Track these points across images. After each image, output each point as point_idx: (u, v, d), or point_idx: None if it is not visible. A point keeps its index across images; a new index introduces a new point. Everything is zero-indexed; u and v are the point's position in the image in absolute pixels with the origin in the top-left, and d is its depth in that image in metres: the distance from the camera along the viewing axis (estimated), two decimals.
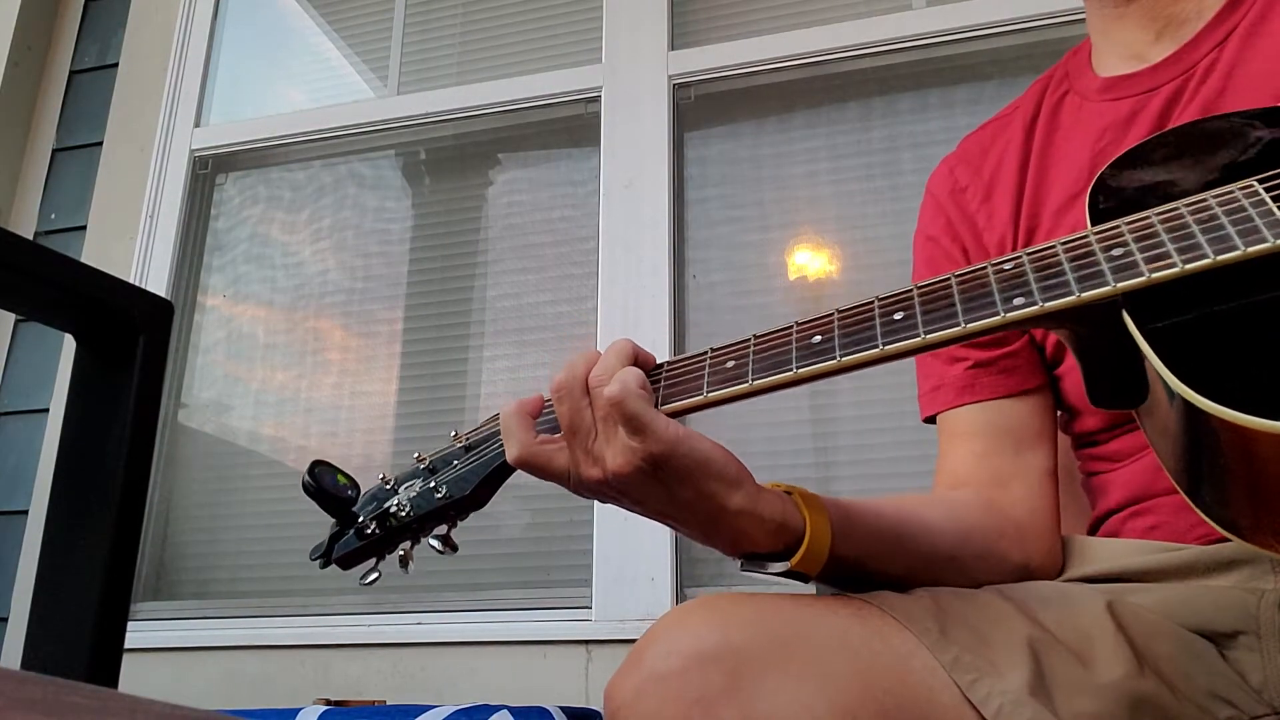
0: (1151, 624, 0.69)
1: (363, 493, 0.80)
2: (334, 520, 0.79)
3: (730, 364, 0.65)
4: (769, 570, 0.68)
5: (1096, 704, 0.62)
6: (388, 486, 0.78)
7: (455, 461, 0.76)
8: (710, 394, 0.64)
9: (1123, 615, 0.68)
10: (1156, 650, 0.66)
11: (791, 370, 0.62)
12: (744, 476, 0.65)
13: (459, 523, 0.77)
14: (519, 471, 0.73)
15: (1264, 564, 0.70)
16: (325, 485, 0.76)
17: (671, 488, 0.64)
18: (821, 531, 0.67)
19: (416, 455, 0.78)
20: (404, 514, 0.75)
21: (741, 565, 0.69)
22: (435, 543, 0.76)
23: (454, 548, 0.76)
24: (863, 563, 0.71)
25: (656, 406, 0.65)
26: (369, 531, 0.76)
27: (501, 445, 0.72)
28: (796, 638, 0.61)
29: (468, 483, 0.73)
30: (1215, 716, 0.65)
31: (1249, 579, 0.71)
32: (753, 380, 0.63)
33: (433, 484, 0.75)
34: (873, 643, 0.62)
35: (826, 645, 0.61)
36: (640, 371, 0.64)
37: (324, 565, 0.79)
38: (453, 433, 0.78)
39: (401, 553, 0.78)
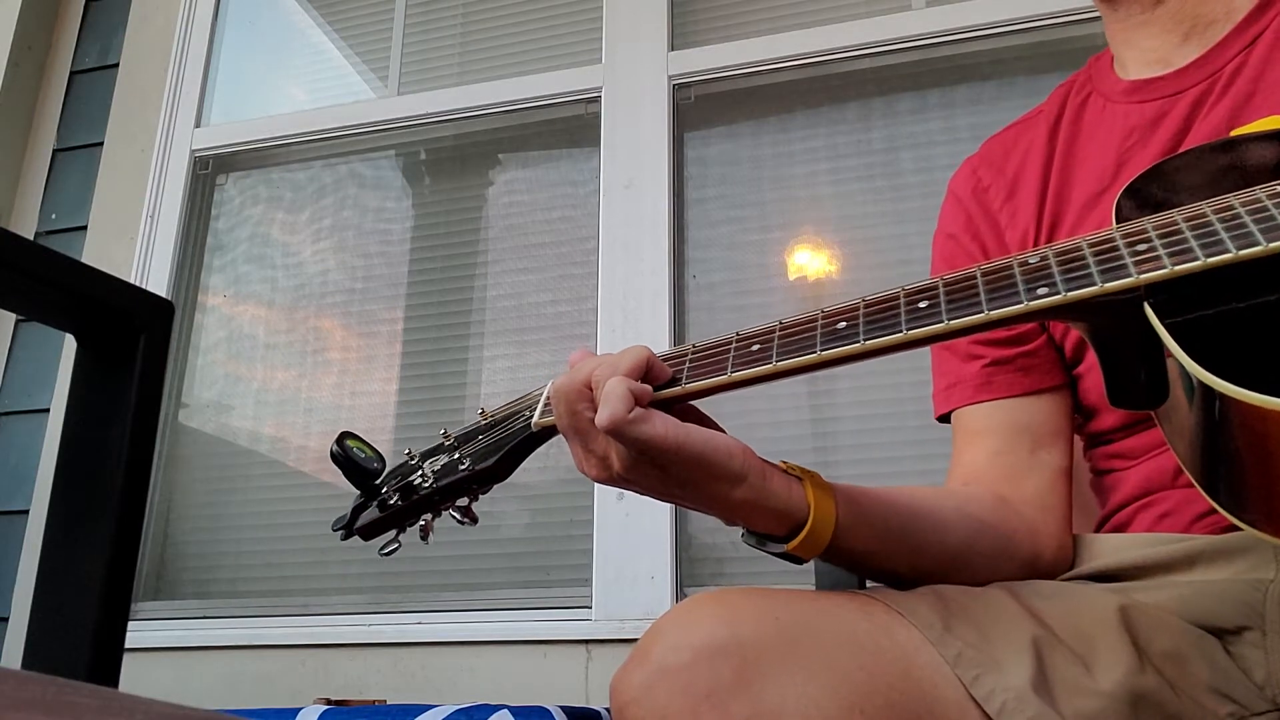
0: (1155, 620, 0.69)
1: (388, 467, 0.82)
2: (358, 492, 0.81)
3: (755, 347, 0.66)
4: (766, 549, 0.69)
5: (1098, 703, 0.62)
6: (412, 461, 0.80)
7: (480, 436, 0.77)
8: (734, 374, 0.65)
9: (1129, 614, 0.68)
10: (1159, 646, 0.67)
11: (815, 353, 0.62)
12: (748, 469, 0.65)
13: (480, 495, 0.78)
14: (529, 458, 0.75)
15: (1266, 552, 0.70)
16: (353, 456, 0.79)
17: (673, 483, 0.65)
18: (824, 523, 0.67)
19: (443, 432, 0.80)
20: (427, 485, 0.77)
21: (742, 536, 0.70)
22: (456, 514, 0.78)
23: (474, 519, 0.78)
24: (866, 556, 0.72)
25: (680, 385, 0.66)
26: (391, 502, 0.78)
27: (527, 419, 0.74)
28: (804, 632, 0.61)
29: (491, 455, 0.75)
30: (1216, 713, 0.65)
31: (1251, 569, 0.71)
32: (776, 361, 0.63)
33: (457, 456, 0.77)
34: (878, 638, 0.63)
35: (834, 640, 0.62)
36: (628, 383, 0.64)
37: (345, 536, 0.81)
38: (480, 410, 0.79)
39: (423, 523, 0.79)
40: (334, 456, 0.78)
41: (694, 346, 0.69)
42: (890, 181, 2.01)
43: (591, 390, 0.65)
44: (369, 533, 0.80)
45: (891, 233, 1.97)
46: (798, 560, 0.69)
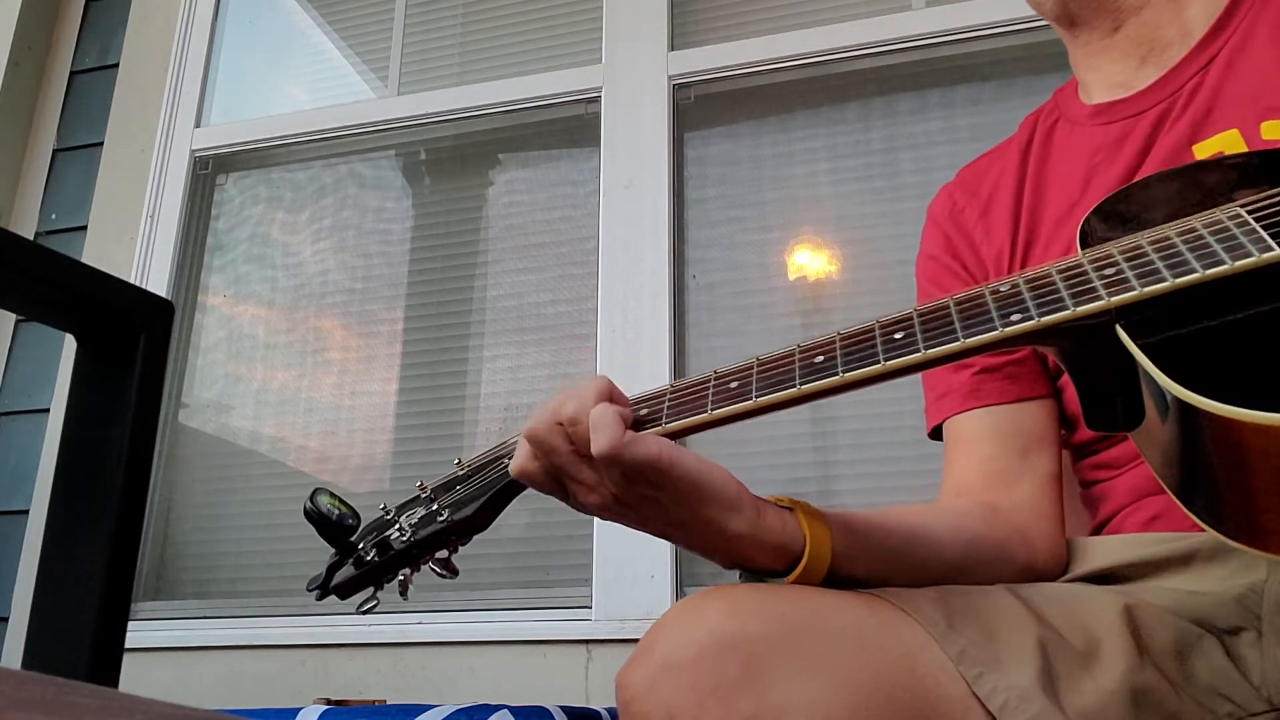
0: (1156, 619, 0.69)
1: (363, 523, 0.79)
2: (333, 550, 0.78)
3: (734, 384, 0.66)
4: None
5: (1099, 701, 0.62)
6: (388, 516, 0.78)
7: (458, 486, 0.76)
8: (715, 412, 0.65)
9: (1133, 614, 0.68)
10: (1159, 645, 0.67)
11: (795, 387, 0.63)
12: (743, 499, 0.65)
13: (460, 547, 0.76)
14: (524, 492, 0.73)
15: None
16: (326, 513, 0.77)
17: (669, 509, 0.65)
18: (820, 554, 0.67)
19: (419, 484, 0.78)
20: (404, 539, 0.75)
21: (740, 576, 0.70)
22: (435, 567, 0.76)
23: (454, 572, 0.76)
24: (865, 580, 0.72)
25: (661, 424, 0.66)
26: (368, 559, 0.76)
27: (505, 467, 0.73)
28: (809, 629, 0.61)
29: (469, 505, 0.73)
30: (1215, 712, 0.65)
31: (1247, 568, 0.71)
32: (757, 397, 0.64)
33: (434, 508, 0.75)
34: (883, 635, 0.63)
35: (838, 637, 0.62)
36: (614, 408, 0.64)
37: (321, 596, 0.78)
38: (456, 460, 0.78)
39: (402, 578, 0.77)
40: (307, 514, 0.76)
41: (672, 386, 0.69)
42: (890, 182, 2.01)
43: (564, 425, 0.65)
44: (345, 591, 0.78)
45: (891, 233, 1.97)
46: None
